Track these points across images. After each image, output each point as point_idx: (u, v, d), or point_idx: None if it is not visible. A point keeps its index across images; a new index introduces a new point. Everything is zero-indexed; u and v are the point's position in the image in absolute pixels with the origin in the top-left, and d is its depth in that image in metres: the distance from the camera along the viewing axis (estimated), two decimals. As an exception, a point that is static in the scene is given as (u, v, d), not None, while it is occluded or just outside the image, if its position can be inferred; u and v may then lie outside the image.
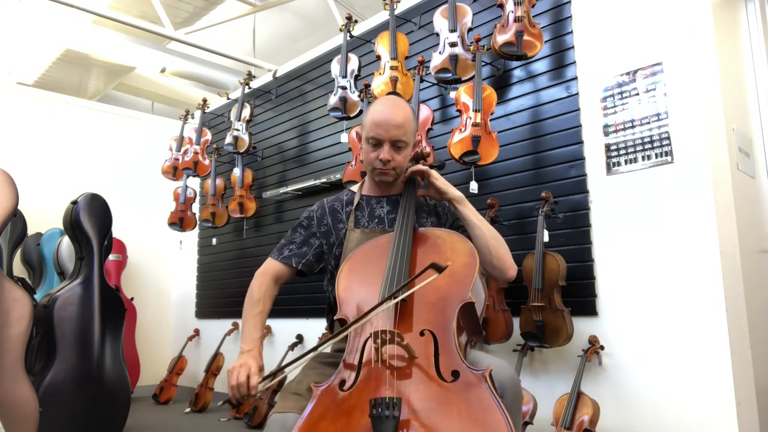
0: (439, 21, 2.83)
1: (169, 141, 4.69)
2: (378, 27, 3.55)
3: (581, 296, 2.50)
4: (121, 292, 4.52)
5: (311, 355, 1.35)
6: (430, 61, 2.82)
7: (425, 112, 2.89)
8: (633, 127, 2.43)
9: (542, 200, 2.53)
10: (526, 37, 2.53)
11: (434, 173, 1.70)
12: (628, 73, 2.46)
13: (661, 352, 2.26)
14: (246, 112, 4.19)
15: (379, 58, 3.03)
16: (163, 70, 5.29)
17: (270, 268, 1.71)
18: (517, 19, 2.54)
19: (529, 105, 2.80)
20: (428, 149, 1.86)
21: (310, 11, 5.39)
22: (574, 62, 2.65)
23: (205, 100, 4.84)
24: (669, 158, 2.31)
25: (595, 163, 2.54)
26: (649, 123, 2.39)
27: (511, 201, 2.79)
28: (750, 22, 2.76)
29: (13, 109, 4.82)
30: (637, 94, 2.43)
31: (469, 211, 1.68)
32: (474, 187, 2.79)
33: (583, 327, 2.46)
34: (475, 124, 2.59)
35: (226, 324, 4.54)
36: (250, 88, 4.47)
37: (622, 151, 2.45)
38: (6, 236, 3.96)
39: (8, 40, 5.44)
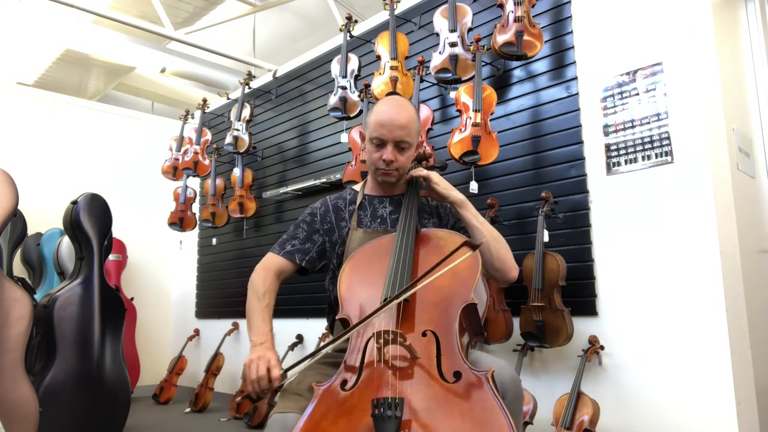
0: (439, 21, 2.83)
1: (169, 141, 4.69)
2: (378, 27, 3.55)
3: (581, 296, 2.50)
4: (121, 292, 4.52)
5: (331, 346, 1.34)
6: (430, 61, 2.82)
7: (425, 112, 2.89)
8: (633, 127, 2.43)
9: (542, 200, 2.53)
10: (526, 37, 2.53)
11: (435, 178, 1.68)
12: (628, 73, 2.46)
13: (661, 352, 2.26)
14: (246, 112, 4.19)
15: (379, 58, 3.03)
16: (163, 70, 5.29)
17: (272, 263, 1.69)
18: (517, 19, 2.54)
19: (529, 105, 2.80)
20: (429, 150, 1.86)
21: (310, 11, 5.39)
22: (574, 62, 2.65)
23: (205, 100, 4.84)
24: (669, 158, 2.31)
25: (595, 163, 2.54)
26: (649, 123, 2.39)
27: (511, 201, 2.79)
28: (750, 22, 2.76)
29: (13, 109, 4.82)
30: (637, 94, 2.43)
31: (471, 214, 1.67)
32: (474, 187, 2.79)
33: (583, 327, 2.46)
34: (475, 124, 2.59)
35: (226, 324, 4.54)
36: (250, 88, 4.47)
37: (622, 151, 2.45)
38: (6, 236, 3.96)
39: (8, 40, 5.44)
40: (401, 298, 1.34)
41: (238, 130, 4.14)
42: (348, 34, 3.34)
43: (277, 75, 4.50)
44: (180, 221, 4.50)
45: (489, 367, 1.24)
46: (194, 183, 5.05)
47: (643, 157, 2.39)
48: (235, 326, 4.48)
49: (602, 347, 2.41)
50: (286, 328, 4.02)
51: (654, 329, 2.29)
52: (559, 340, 2.39)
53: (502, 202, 2.79)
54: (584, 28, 2.63)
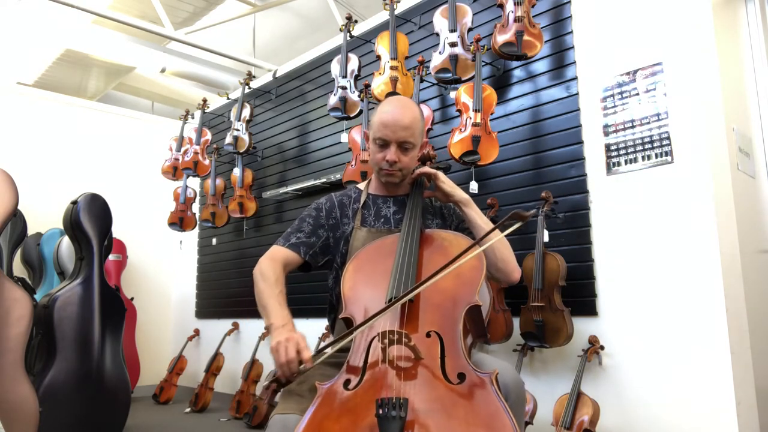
0: (439, 21, 2.83)
1: (169, 141, 4.68)
2: (378, 27, 3.55)
3: (581, 296, 2.50)
4: (121, 292, 4.52)
5: (358, 330, 1.33)
6: (430, 61, 2.82)
7: (425, 112, 2.89)
8: (633, 127, 2.43)
9: (542, 200, 2.53)
10: (526, 37, 2.53)
11: (441, 176, 1.69)
12: (628, 73, 2.46)
13: (661, 352, 2.26)
14: (246, 112, 4.18)
15: (379, 58, 3.03)
16: (163, 70, 5.29)
17: (278, 254, 1.65)
18: (517, 19, 2.54)
19: (529, 105, 2.80)
20: (432, 151, 1.86)
21: (310, 11, 5.39)
22: (574, 62, 2.65)
23: (205, 100, 4.84)
24: (669, 158, 2.31)
25: (595, 163, 2.54)
26: (649, 123, 2.39)
27: (511, 201, 2.79)
28: (750, 22, 2.76)
29: (14, 109, 4.82)
30: (637, 94, 2.43)
31: (475, 214, 1.68)
32: (474, 187, 2.79)
33: (583, 327, 2.46)
34: (475, 124, 2.59)
35: (226, 324, 4.54)
36: (250, 88, 4.47)
37: (622, 151, 2.45)
38: (6, 236, 3.96)
39: (8, 40, 5.44)
40: (415, 292, 1.33)
41: (238, 130, 4.14)
42: (348, 34, 3.34)
43: (277, 75, 4.50)
44: (180, 221, 4.50)
45: (493, 369, 1.24)
46: (194, 183, 5.05)
47: (643, 157, 2.39)
48: (235, 326, 4.48)
49: (602, 347, 2.41)
50: (286, 328, 4.02)
51: (654, 329, 2.29)
52: (559, 340, 2.39)
53: (502, 202, 2.79)
54: (584, 28, 2.63)
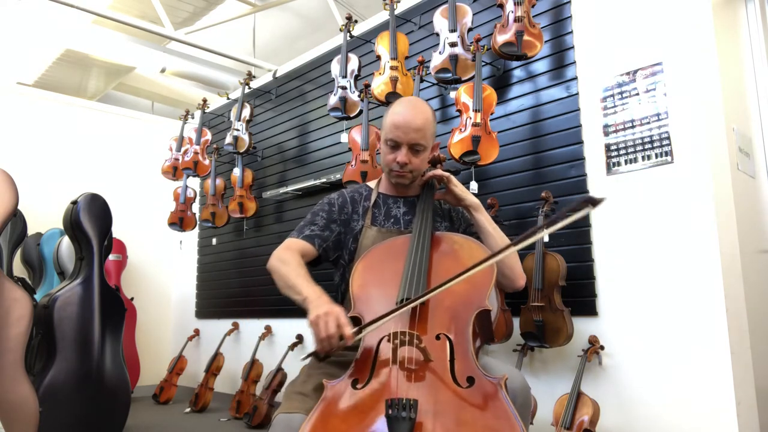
0: (439, 21, 2.83)
1: (169, 141, 4.68)
2: (378, 27, 3.55)
3: (581, 296, 2.50)
4: (121, 292, 4.52)
5: (403, 309, 1.32)
6: (430, 61, 2.82)
7: (425, 112, 2.89)
8: (633, 127, 2.43)
9: (542, 200, 2.53)
10: (526, 37, 2.53)
11: (453, 179, 1.69)
12: (628, 73, 2.46)
13: (661, 352, 2.26)
14: (246, 112, 4.18)
15: (379, 58, 3.03)
16: (163, 70, 5.29)
17: (293, 245, 1.62)
18: (517, 19, 2.54)
19: (529, 105, 2.80)
20: (443, 154, 1.86)
21: (310, 11, 5.39)
22: (574, 62, 2.65)
23: (205, 100, 4.84)
24: (669, 158, 2.31)
25: (595, 163, 2.54)
26: (649, 123, 2.39)
27: (511, 201, 2.79)
28: (750, 22, 2.76)
29: (13, 109, 4.82)
30: (637, 94, 2.43)
31: (485, 219, 1.68)
32: (474, 187, 2.79)
33: (583, 327, 2.46)
34: (475, 124, 2.59)
35: (226, 324, 4.54)
36: (250, 88, 4.47)
37: (622, 151, 2.45)
38: (6, 236, 3.97)
39: (8, 40, 5.44)
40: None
41: (238, 130, 4.14)
42: (348, 34, 3.34)
43: (277, 75, 4.50)
44: (180, 221, 4.50)
45: (502, 374, 1.24)
46: (194, 183, 5.05)
47: (643, 157, 2.39)
48: (235, 326, 4.48)
49: (602, 347, 2.41)
50: (286, 328, 4.02)
51: (654, 329, 2.29)
52: (559, 340, 2.39)
53: (502, 202, 2.79)
54: (584, 28, 2.63)
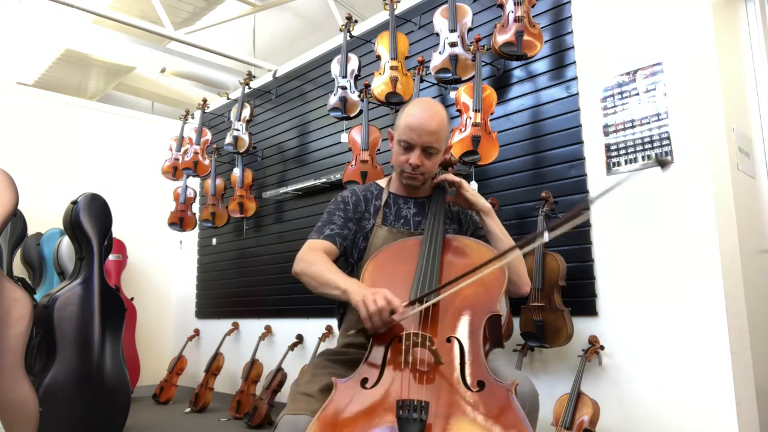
0: (439, 21, 2.83)
1: (169, 141, 4.69)
2: (378, 27, 3.55)
3: (581, 296, 2.50)
4: (121, 292, 4.52)
5: (466, 281, 1.33)
6: (430, 61, 2.82)
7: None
8: (633, 127, 2.43)
9: (542, 200, 2.53)
10: (526, 37, 2.53)
11: (465, 184, 1.69)
12: (628, 73, 2.46)
13: (661, 352, 2.26)
14: (246, 112, 4.19)
15: (379, 58, 3.03)
16: (163, 70, 5.29)
17: (316, 245, 1.61)
18: (517, 19, 2.54)
19: (529, 105, 2.80)
20: (455, 158, 1.85)
21: (310, 11, 5.39)
22: (574, 62, 2.65)
23: (205, 100, 4.84)
24: (669, 158, 2.31)
25: (595, 163, 2.54)
26: (649, 123, 2.39)
27: (511, 201, 2.79)
28: (750, 22, 2.76)
29: (14, 109, 4.82)
30: (637, 94, 2.43)
31: (494, 223, 1.68)
32: (474, 187, 2.79)
33: (583, 327, 2.46)
34: (475, 124, 2.59)
35: (226, 324, 4.54)
36: (250, 88, 4.47)
37: (622, 151, 2.45)
38: (6, 236, 3.96)
39: (8, 40, 5.44)
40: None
41: (238, 130, 4.14)
42: (348, 34, 3.34)
43: (277, 75, 4.50)
44: (180, 221, 4.50)
45: (513, 379, 1.24)
46: (194, 183, 5.05)
47: (643, 157, 2.39)
48: (235, 326, 4.48)
49: (602, 347, 2.41)
50: (286, 328, 4.02)
51: (654, 329, 2.29)
52: (559, 340, 2.39)
53: (502, 202, 2.79)
54: (584, 28, 2.63)
